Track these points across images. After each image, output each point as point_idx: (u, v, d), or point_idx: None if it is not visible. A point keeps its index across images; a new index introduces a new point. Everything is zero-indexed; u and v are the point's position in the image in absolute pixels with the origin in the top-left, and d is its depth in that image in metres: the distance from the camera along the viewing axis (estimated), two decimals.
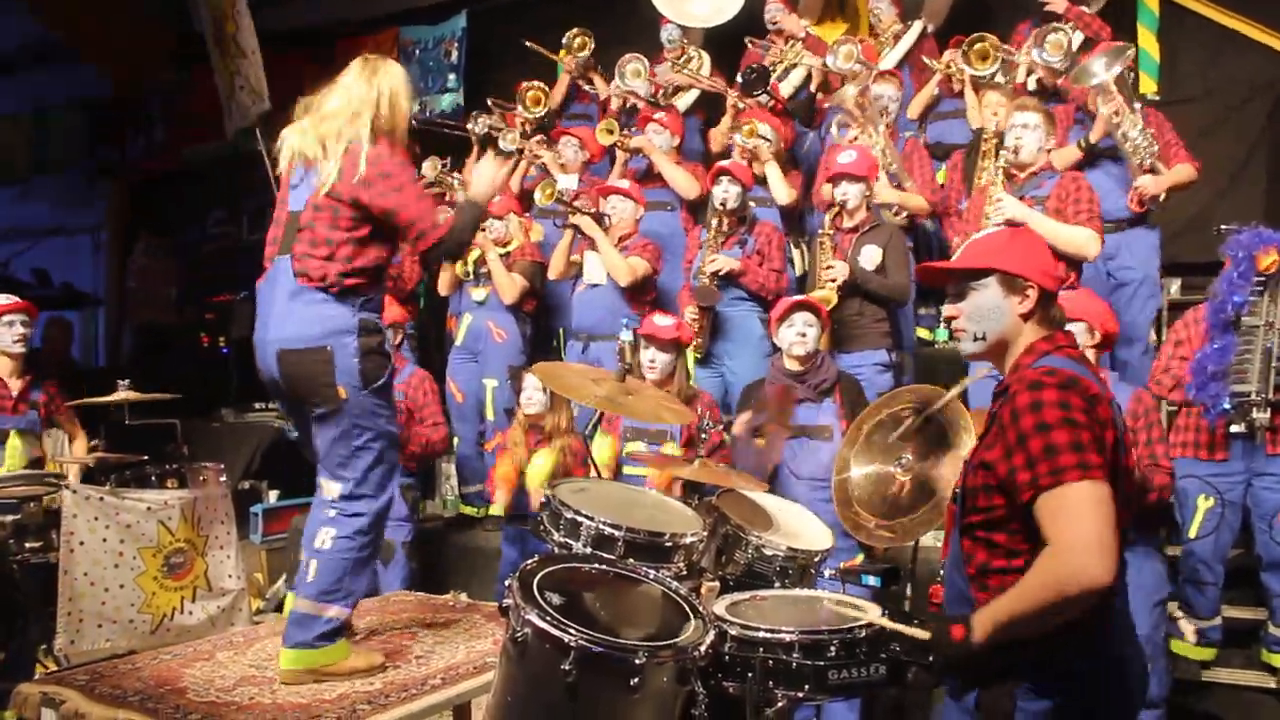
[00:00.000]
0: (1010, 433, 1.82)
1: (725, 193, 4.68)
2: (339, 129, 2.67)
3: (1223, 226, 4.01)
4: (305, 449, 2.94)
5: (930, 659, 1.88)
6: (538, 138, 6.24)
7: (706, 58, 6.23)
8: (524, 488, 4.44)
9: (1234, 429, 3.66)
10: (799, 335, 3.86)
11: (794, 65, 5.95)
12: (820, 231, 4.50)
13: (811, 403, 3.86)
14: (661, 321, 4.14)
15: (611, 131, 5.80)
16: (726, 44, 6.39)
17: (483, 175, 2.90)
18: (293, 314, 2.67)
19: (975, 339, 2.01)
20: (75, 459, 4.50)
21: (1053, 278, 1.99)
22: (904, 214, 4.96)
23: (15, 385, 4.41)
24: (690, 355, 4.80)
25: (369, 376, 2.69)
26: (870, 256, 4.37)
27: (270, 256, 2.79)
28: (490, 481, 4.63)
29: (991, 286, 1.98)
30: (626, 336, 4.62)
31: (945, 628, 1.84)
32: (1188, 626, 3.88)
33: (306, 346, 2.65)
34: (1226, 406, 3.63)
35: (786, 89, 5.90)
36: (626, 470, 4.16)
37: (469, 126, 6.59)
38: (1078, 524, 1.71)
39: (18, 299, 4.45)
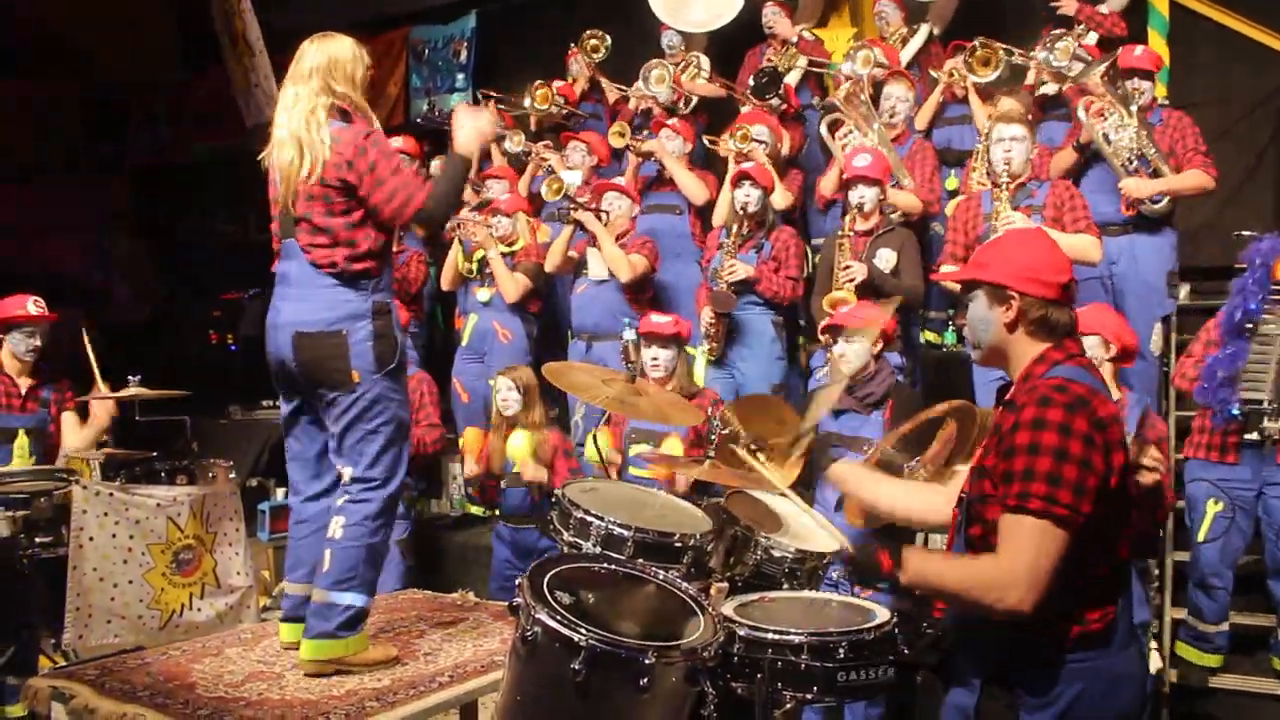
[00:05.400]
0: (1006, 442, 1.82)
1: (746, 196, 4.68)
2: (305, 114, 2.66)
3: (1243, 233, 4.00)
4: (287, 436, 2.93)
5: (849, 568, 2.04)
6: (544, 141, 6.26)
7: (706, 62, 6.24)
8: (509, 486, 4.46)
9: (1247, 437, 3.65)
10: (839, 356, 3.82)
11: (789, 68, 5.95)
12: (839, 233, 4.51)
13: (857, 414, 3.79)
14: (659, 319, 4.17)
15: (623, 134, 5.81)
16: (726, 49, 6.40)
17: (464, 125, 2.80)
18: (307, 298, 2.69)
19: (974, 347, 2.04)
20: (79, 451, 4.49)
21: (1042, 284, 1.92)
22: (898, 212, 4.95)
23: (24, 384, 4.45)
24: (701, 356, 4.82)
25: (382, 360, 2.70)
26: (885, 259, 4.38)
27: (276, 235, 2.80)
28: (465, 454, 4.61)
29: (979, 298, 1.99)
30: (630, 335, 4.63)
31: (873, 551, 1.95)
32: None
33: (321, 330, 2.66)
34: (1235, 412, 3.63)
35: None
36: (633, 471, 4.17)
37: None
38: (1020, 554, 1.75)
39: (42, 307, 4.47)
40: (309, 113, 2.65)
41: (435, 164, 6.31)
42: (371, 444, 2.72)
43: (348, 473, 2.74)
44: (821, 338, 3.96)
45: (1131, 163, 4.43)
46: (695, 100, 6.21)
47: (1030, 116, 4.88)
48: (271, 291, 2.83)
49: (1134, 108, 4.47)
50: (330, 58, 2.71)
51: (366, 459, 2.72)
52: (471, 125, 2.81)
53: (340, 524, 2.71)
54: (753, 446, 2.60)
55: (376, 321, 2.70)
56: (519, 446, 4.26)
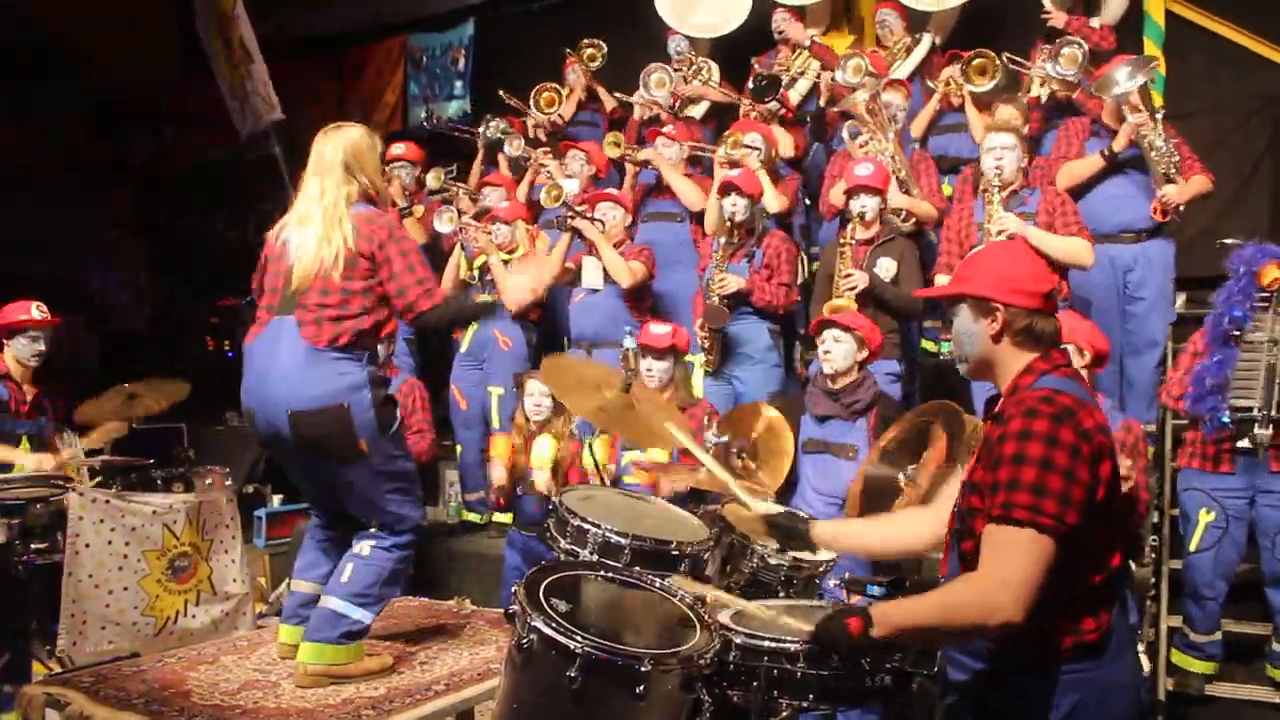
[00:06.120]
0: (993, 454, 1.82)
1: (733, 205, 4.69)
2: (331, 205, 2.73)
3: (1226, 240, 4.03)
4: (305, 493, 3.08)
5: (821, 646, 1.91)
6: (543, 149, 6.26)
7: (715, 68, 6.25)
8: (524, 493, 4.44)
9: (1239, 445, 3.66)
10: (824, 353, 3.86)
11: (801, 74, 5.96)
12: (840, 241, 4.52)
13: (842, 420, 3.84)
14: (657, 330, 4.16)
15: (618, 144, 5.79)
16: (733, 54, 6.41)
17: (517, 284, 3.11)
18: (302, 375, 2.68)
19: (961, 361, 2.04)
20: (72, 458, 4.49)
21: (1025, 294, 1.93)
22: (912, 220, 4.97)
23: (29, 391, 4.46)
24: (699, 368, 4.82)
25: (385, 426, 2.75)
26: (885, 268, 4.40)
27: (265, 313, 2.80)
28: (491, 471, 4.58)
29: (964, 311, 1.99)
30: (630, 344, 4.62)
31: (841, 622, 1.85)
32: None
33: (323, 406, 2.67)
34: (1225, 420, 3.63)
35: (794, 98, 5.92)
36: (628, 480, 4.16)
37: (480, 131, 6.62)
38: (1007, 564, 1.73)
39: (45, 312, 4.48)
40: (334, 204, 2.73)
41: (430, 174, 6.32)
42: (390, 502, 2.82)
43: (374, 521, 2.85)
44: (817, 340, 3.96)
45: (1171, 171, 4.44)
46: (706, 105, 6.22)
47: (1028, 127, 4.91)
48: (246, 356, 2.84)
49: (1159, 115, 4.49)
50: (349, 149, 2.80)
51: (390, 513, 2.83)
52: (527, 284, 3.12)
53: (370, 545, 2.82)
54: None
55: (376, 391, 2.74)
56: (544, 455, 4.22)
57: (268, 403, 2.71)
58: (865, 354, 3.88)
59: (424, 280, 2.76)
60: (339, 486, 2.80)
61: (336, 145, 2.80)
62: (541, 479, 4.19)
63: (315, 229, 2.71)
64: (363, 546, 2.81)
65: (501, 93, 6.69)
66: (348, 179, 2.77)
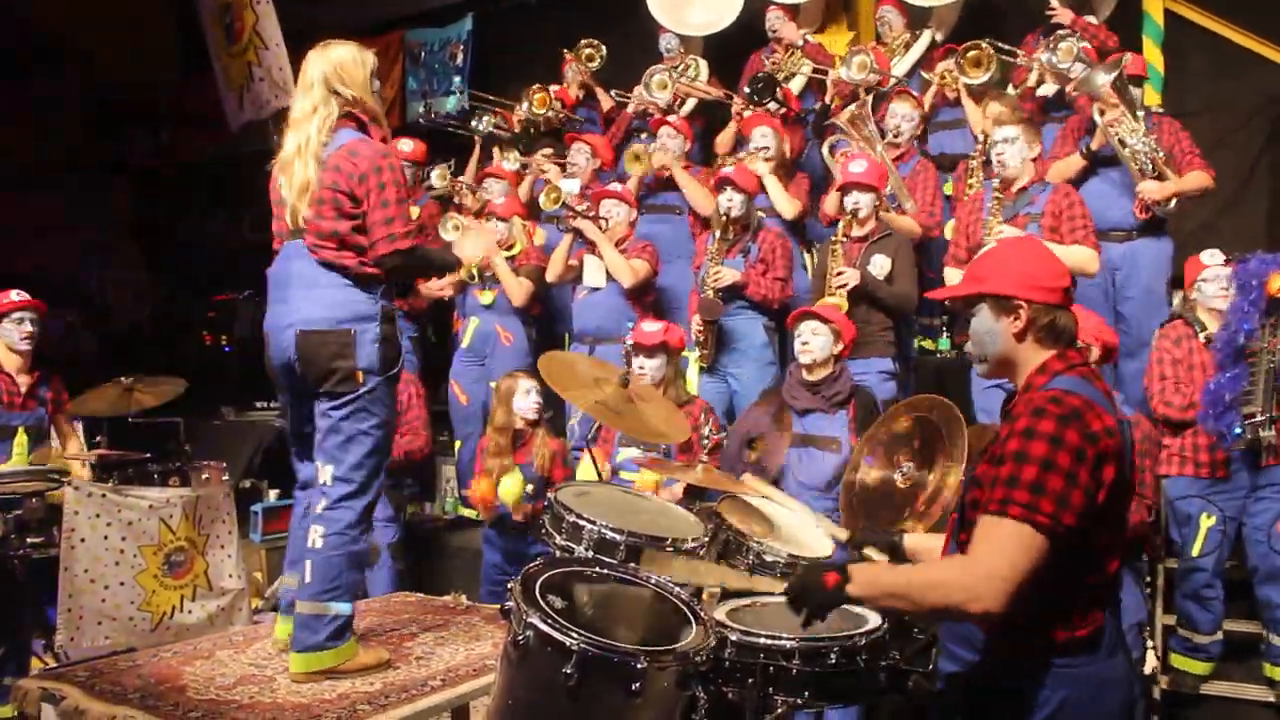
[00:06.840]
0: (998, 450, 1.82)
1: (729, 201, 4.68)
2: (315, 126, 2.70)
3: (1225, 257, 4.04)
4: (292, 428, 2.95)
5: (791, 596, 1.90)
6: (544, 151, 6.24)
7: (704, 66, 6.24)
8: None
9: (1237, 450, 3.66)
10: (802, 344, 3.86)
11: (794, 73, 5.95)
12: (833, 238, 4.52)
13: (823, 413, 3.85)
14: (649, 327, 4.15)
15: (638, 158, 5.61)
16: (723, 52, 6.41)
17: (472, 244, 3.01)
18: (316, 297, 2.70)
19: (980, 360, 2.03)
20: (74, 455, 4.49)
21: (1046, 290, 1.93)
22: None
23: (23, 381, 4.42)
24: (695, 364, 4.81)
25: (386, 363, 2.73)
26: (879, 265, 4.40)
27: (279, 236, 2.81)
28: (471, 493, 4.57)
29: (984, 310, 1.98)
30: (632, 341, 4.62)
31: (818, 575, 1.85)
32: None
33: (330, 329, 2.68)
34: (1239, 431, 3.63)
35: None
36: (624, 475, 4.15)
37: (473, 125, 6.63)
38: (997, 555, 1.73)
39: (26, 295, 4.45)
40: (319, 124, 2.70)
41: (435, 173, 6.31)
42: (359, 446, 2.73)
43: (328, 472, 2.73)
44: (795, 333, 3.95)
45: (1147, 167, 4.44)
46: (694, 103, 6.21)
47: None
48: (266, 295, 2.84)
49: (1142, 113, 4.49)
50: (333, 65, 2.74)
51: (350, 461, 2.72)
52: (478, 248, 3.04)
53: (320, 533, 2.72)
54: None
55: (384, 325, 2.73)
56: (512, 490, 4.24)
57: (280, 326, 2.73)
58: (840, 347, 3.89)
59: (391, 220, 2.68)
60: (319, 419, 2.74)
61: (316, 62, 2.74)
62: (519, 512, 4.24)
63: (300, 158, 2.69)
64: (314, 538, 2.71)
65: (493, 102, 6.73)
66: (327, 97, 2.71)
